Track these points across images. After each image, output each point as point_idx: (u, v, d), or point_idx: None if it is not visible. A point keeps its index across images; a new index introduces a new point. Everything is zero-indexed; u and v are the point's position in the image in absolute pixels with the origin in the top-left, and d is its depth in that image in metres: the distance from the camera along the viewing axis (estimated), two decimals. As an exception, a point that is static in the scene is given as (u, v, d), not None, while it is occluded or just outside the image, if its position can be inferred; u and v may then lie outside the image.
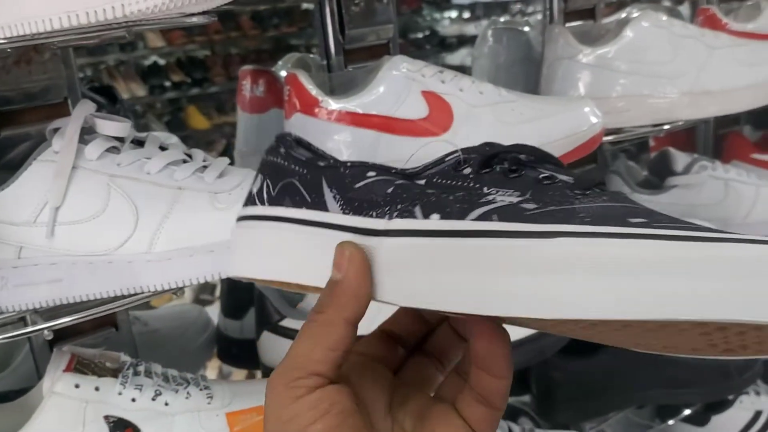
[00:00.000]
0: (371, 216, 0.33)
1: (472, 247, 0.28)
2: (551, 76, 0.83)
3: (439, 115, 0.66)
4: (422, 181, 0.34)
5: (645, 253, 0.24)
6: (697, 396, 0.93)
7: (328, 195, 0.36)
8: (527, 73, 0.89)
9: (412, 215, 0.31)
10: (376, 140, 0.66)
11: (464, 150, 0.34)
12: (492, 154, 0.33)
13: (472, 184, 0.32)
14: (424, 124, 0.66)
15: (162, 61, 3.01)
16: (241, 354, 0.81)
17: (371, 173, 0.35)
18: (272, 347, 0.71)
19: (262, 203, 0.39)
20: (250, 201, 0.40)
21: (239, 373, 1.29)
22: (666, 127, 0.82)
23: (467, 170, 0.33)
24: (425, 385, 0.35)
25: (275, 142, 0.41)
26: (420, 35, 3.36)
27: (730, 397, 0.97)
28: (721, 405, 0.97)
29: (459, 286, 0.28)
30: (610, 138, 0.81)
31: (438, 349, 0.36)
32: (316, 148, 0.41)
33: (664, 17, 0.80)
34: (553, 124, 0.68)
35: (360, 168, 0.36)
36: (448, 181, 0.33)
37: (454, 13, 3.53)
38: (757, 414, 1.01)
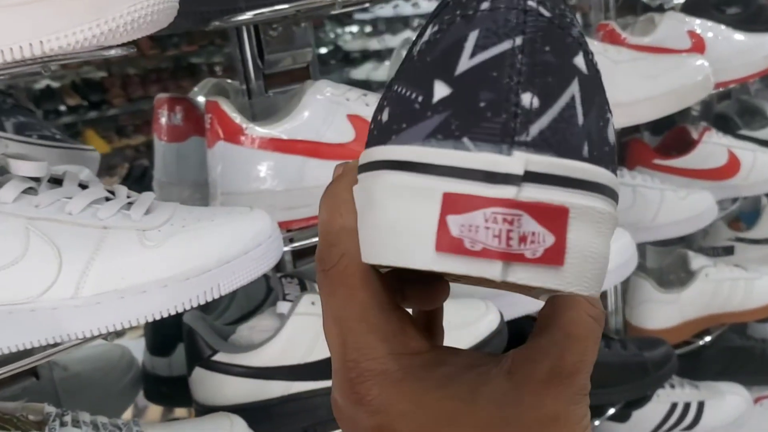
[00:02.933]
0: None
1: None
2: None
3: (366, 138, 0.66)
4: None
5: None
6: (618, 395, 0.97)
7: None
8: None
9: None
10: (302, 166, 0.66)
11: None
12: None
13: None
14: (351, 147, 0.66)
15: (55, 85, 2.87)
16: (171, 393, 0.78)
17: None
18: (205, 383, 0.68)
19: None
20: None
21: (154, 410, 1.24)
22: (577, 139, 0.85)
23: None
24: None
25: None
26: (324, 51, 3.36)
27: (648, 392, 1.01)
28: (640, 401, 1.01)
29: None
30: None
31: None
32: None
33: (571, 34, 0.83)
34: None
35: None
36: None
37: (355, 28, 3.56)
38: (673, 406, 1.06)
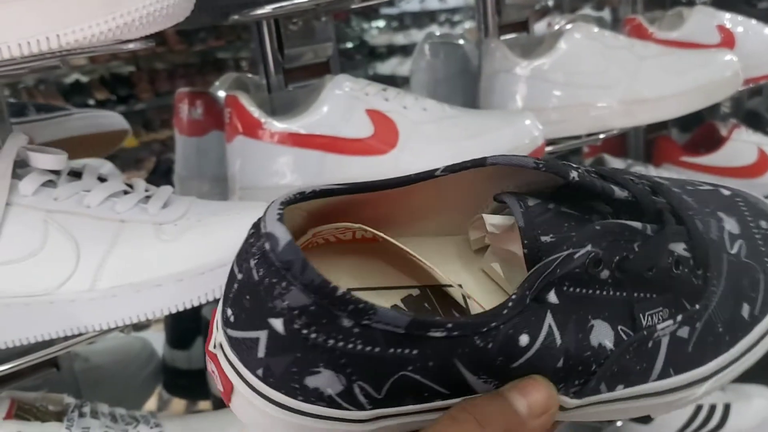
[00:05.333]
0: None
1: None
2: (489, 89, 0.84)
3: (385, 133, 0.66)
4: (554, 298, 0.28)
5: None
6: (642, 395, 0.96)
7: (474, 381, 0.27)
8: (466, 87, 0.90)
9: (597, 391, 0.30)
10: (322, 160, 0.66)
11: (593, 241, 0.29)
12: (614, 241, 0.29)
13: (617, 294, 0.29)
14: (370, 143, 0.65)
15: (85, 79, 2.91)
16: (189, 385, 0.79)
17: (523, 338, 0.27)
18: (223, 377, 0.68)
19: (363, 407, 0.27)
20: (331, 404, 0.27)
21: (178, 402, 1.25)
22: (601, 136, 0.84)
23: (605, 273, 0.29)
24: None
25: (313, 305, 0.25)
26: (350, 45, 3.36)
27: (673, 393, 1.00)
28: (664, 402, 0.99)
29: None
30: (549, 148, 0.83)
31: None
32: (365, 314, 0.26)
33: (596, 29, 0.82)
34: (497, 139, 0.68)
35: (501, 334, 0.27)
36: (586, 290, 0.29)
37: (382, 23, 3.55)
38: (698, 408, 1.04)
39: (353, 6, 0.67)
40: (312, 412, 0.26)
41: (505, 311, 0.27)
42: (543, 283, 0.28)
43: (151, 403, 1.16)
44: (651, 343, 0.29)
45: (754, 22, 1.00)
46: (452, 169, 0.33)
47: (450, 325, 0.26)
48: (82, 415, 0.58)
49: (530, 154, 0.71)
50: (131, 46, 0.51)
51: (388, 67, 3.22)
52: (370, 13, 3.39)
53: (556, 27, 0.89)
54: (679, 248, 0.30)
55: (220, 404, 0.69)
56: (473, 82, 0.88)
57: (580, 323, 0.28)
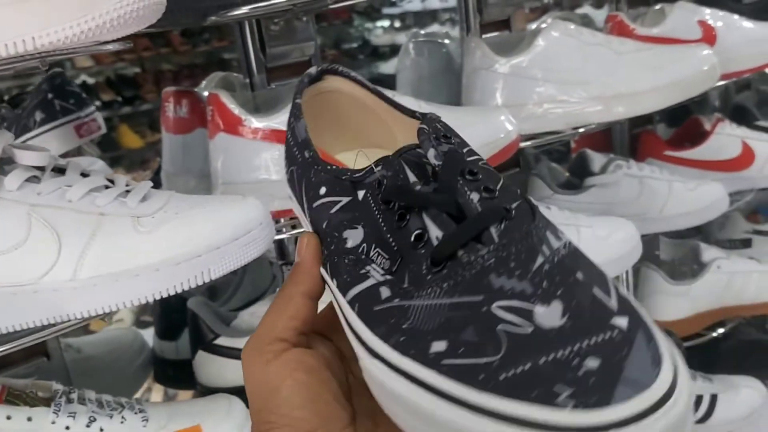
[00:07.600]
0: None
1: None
2: (471, 87, 0.86)
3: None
4: (361, 196, 0.34)
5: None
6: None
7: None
8: (449, 84, 0.92)
9: (326, 268, 0.36)
10: (301, 156, 0.68)
11: (385, 167, 0.34)
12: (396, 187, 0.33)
13: (383, 225, 0.33)
14: (346, 139, 0.67)
15: (91, 81, 2.95)
16: (177, 375, 0.81)
17: (323, 189, 0.37)
18: (208, 366, 0.71)
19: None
20: None
21: (184, 393, 1.28)
22: (581, 130, 0.86)
23: (378, 194, 0.33)
24: None
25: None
26: (353, 45, 3.38)
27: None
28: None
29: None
30: (529, 143, 0.85)
31: None
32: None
33: (573, 26, 0.84)
34: (472, 134, 0.69)
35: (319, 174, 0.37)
36: (375, 208, 0.34)
37: (385, 23, 3.58)
38: (699, 398, 1.05)
39: (330, 6, 0.69)
40: None
41: (330, 167, 0.36)
42: (349, 181, 0.35)
43: (157, 396, 1.19)
44: (361, 269, 0.32)
45: (735, 17, 1.01)
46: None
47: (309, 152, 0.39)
48: (69, 401, 0.60)
49: (505, 148, 0.73)
50: (110, 47, 0.54)
51: (390, 66, 3.24)
52: (373, 13, 3.41)
53: (533, 25, 0.91)
54: (434, 232, 0.30)
55: (204, 393, 0.72)
56: (456, 79, 0.90)
57: (349, 221, 0.34)
